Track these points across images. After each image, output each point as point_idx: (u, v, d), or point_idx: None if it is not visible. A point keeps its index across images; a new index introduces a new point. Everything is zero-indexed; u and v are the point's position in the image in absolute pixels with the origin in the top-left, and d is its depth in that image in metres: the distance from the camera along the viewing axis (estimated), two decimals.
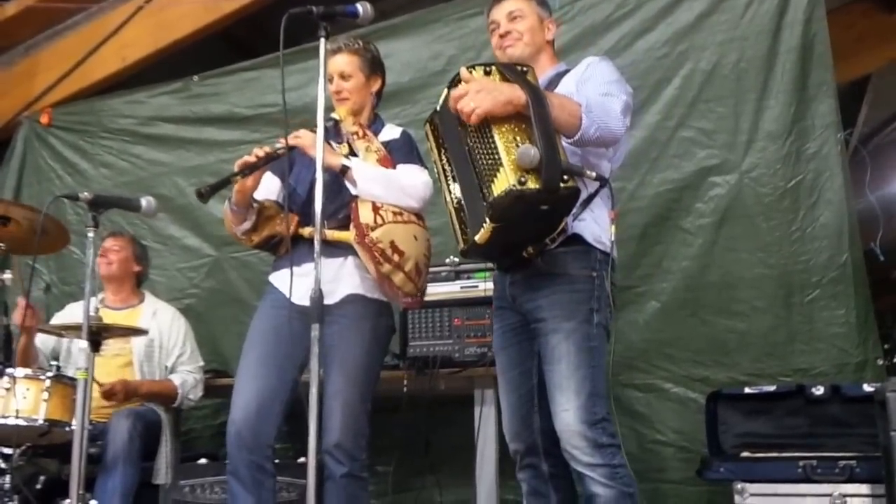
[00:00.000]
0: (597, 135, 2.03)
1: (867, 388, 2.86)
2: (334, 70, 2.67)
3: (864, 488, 2.58)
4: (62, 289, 4.71)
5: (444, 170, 2.19)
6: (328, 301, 2.49)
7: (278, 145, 2.52)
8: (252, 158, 2.47)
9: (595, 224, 2.17)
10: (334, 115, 2.66)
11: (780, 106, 3.42)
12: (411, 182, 2.57)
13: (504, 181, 1.92)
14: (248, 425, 2.44)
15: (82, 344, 2.45)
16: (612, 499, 2.06)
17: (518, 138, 1.94)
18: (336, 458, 2.43)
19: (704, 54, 3.55)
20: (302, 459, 3.05)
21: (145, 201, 2.63)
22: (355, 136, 2.62)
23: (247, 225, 2.60)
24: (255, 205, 2.59)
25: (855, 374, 3.20)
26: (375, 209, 2.48)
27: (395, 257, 2.46)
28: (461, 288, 3.28)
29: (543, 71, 2.30)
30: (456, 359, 3.24)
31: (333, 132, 2.66)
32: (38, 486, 3.00)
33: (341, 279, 2.51)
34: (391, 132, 2.75)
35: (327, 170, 2.47)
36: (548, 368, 2.15)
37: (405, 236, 2.50)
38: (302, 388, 2.50)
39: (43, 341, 3.44)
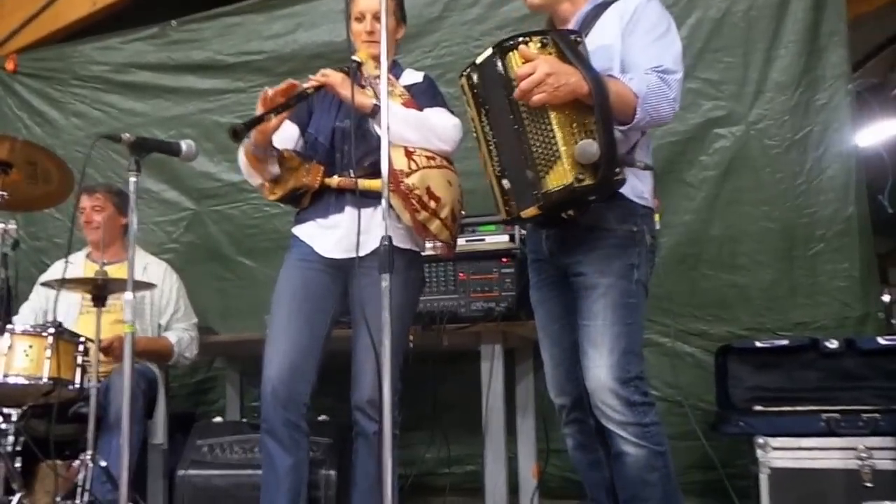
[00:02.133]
0: (647, 124, 1.99)
1: (882, 341, 2.86)
2: (368, 9, 2.52)
3: (888, 441, 2.58)
4: (31, 244, 4.49)
5: (483, 132, 2.08)
6: (360, 252, 2.39)
7: (307, 84, 2.37)
8: (279, 96, 2.31)
9: (636, 179, 2.07)
10: (356, 58, 2.50)
11: (790, 56, 3.37)
12: (442, 124, 2.46)
13: (561, 176, 1.86)
14: (284, 383, 2.34)
15: (128, 296, 2.29)
16: (642, 457, 2.00)
17: (577, 129, 1.86)
18: (368, 415, 2.35)
19: (714, 2, 3.47)
20: (323, 417, 2.96)
21: (185, 145, 2.46)
22: (378, 81, 2.48)
23: (275, 171, 2.46)
24: (274, 153, 2.45)
25: (856, 328, 3.21)
26: (408, 154, 2.36)
27: (432, 203, 2.35)
28: (466, 241, 3.17)
29: (576, 6, 2.18)
30: (462, 314, 3.15)
31: (356, 75, 2.48)
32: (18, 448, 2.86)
33: (371, 230, 2.38)
34: (413, 76, 2.62)
35: (356, 112, 2.35)
36: (583, 323, 2.07)
37: (440, 181, 2.39)
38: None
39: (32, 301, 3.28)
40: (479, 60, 2.01)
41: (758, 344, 3.03)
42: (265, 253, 4.06)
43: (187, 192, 4.26)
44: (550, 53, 1.87)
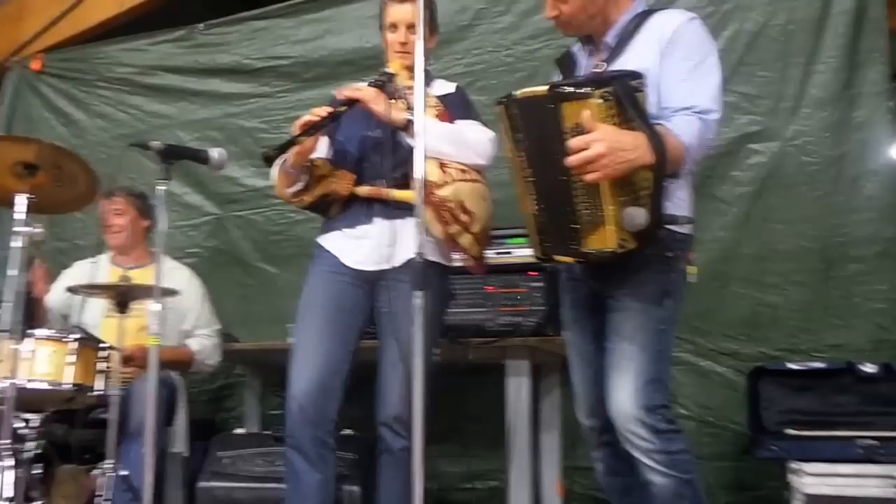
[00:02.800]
0: (690, 170, 1.94)
1: None
2: (403, 20, 2.47)
3: None
4: (53, 245, 4.46)
5: (520, 166, 2.02)
6: (388, 265, 2.36)
7: (339, 101, 2.33)
8: (314, 118, 2.28)
9: (672, 206, 1.98)
10: (388, 69, 2.45)
11: (829, 71, 3.30)
12: (477, 138, 2.42)
13: (604, 241, 1.83)
14: (312, 400, 2.29)
15: (155, 307, 2.26)
16: (670, 486, 1.93)
17: (626, 195, 1.80)
18: (395, 431, 2.30)
19: (751, 14, 3.40)
20: (347, 431, 2.91)
21: (217, 153, 2.42)
22: (410, 92, 2.43)
23: (299, 185, 2.42)
24: (307, 165, 2.41)
25: (892, 352, 3.11)
26: (441, 166, 2.32)
27: (464, 217, 2.31)
28: (495, 254, 3.11)
29: (620, 11, 2.09)
30: (489, 328, 3.09)
31: (388, 87, 2.44)
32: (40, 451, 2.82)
33: (400, 242, 2.34)
34: (445, 87, 2.57)
35: (387, 125, 2.31)
36: (610, 347, 2.01)
37: (473, 195, 2.35)
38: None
39: (53, 301, 3.24)
40: (520, 94, 1.94)
41: (791, 366, 2.96)
42: (288, 260, 4.02)
43: (211, 197, 4.23)
44: (611, 110, 1.76)
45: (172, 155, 2.32)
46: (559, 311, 3.15)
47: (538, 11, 3.70)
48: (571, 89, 1.80)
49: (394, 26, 2.49)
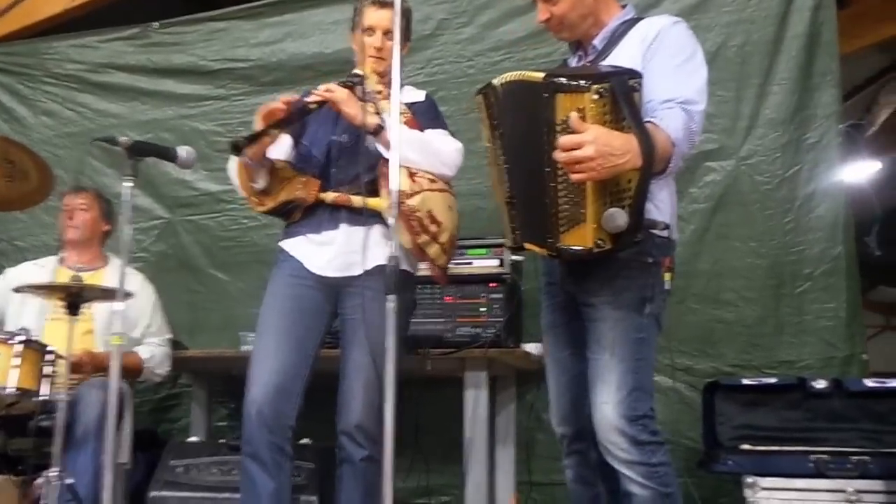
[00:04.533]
0: (676, 165, 1.93)
1: (869, 383, 2.85)
2: (380, 25, 2.44)
3: (878, 485, 2.54)
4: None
5: (495, 153, 2.02)
6: (353, 272, 2.34)
7: (310, 99, 2.29)
8: (281, 106, 2.23)
9: (654, 208, 1.99)
10: (358, 72, 2.42)
11: (783, 93, 3.37)
12: (446, 149, 2.41)
13: (581, 239, 1.81)
14: (270, 404, 2.24)
15: (118, 306, 2.20)
16: (649, 499, 1.93)
17: (610, 196, 1.78)
18: (356, 441, 2.27)
19: (709, 35, 3.44)
20: (305, 440, 2.84)
21: (185, 152, 2.35)
22: (379, 96, 2.41)
23: (261, 184, 2.36)
24: (266, 164, 2.36)
25: (840, 369, 3.20)
26: (411, 175, 2.30)
27: (433, 227, 2.29)
28: (455, 264, 3.07)
29: (611, 15, 2.11)
30: (447, 339, 3.06)
31: (359, 89, 2.40)
32: None
33: (366, 249, 2.31)
34: (413, 94, 2.55)
35: (355, 130, 2.28)
36: (592, 357, 2.00)
37: (442, 205, 2.33)
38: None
39: None
40: (512, 77, 1.94)
41: (745, 381, 2.99)
42: (240, 267, 3.94)
43: (161, 200, 4.12)
44: (605, 107, 1.74)
45: (140, 152, 2.25)
46: (519, 322, 3.20)
47: (501, 24, 3.74)
48: (568, 80, 1.77)
49: (371, 30, 2.46)
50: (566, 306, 2.13)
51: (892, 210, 3.81)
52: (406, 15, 2.48)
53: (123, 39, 4.29)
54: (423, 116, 2.46)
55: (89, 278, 2.96)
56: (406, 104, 2.45)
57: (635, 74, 1.80)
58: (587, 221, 1.78)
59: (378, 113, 2.33)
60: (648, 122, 1.82)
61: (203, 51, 4.13)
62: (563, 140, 1.72)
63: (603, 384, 1.94)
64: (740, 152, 3.40)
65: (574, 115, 1.72)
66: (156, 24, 4.21)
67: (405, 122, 2.36)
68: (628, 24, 2.07)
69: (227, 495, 2.67)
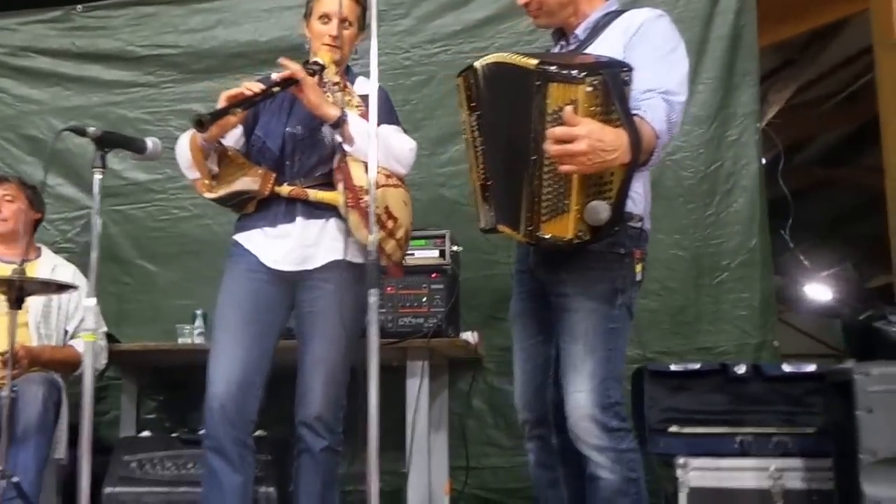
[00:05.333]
0: (657, 160, 1.96)
1: (786, 368, 3.03)
2: (336, 12, 2.40)
3: (797, 462, 2.74)
4: None
5: (472, 135, 2.05)
6: (309, 266, 2.35)
7: (273, 81, 2.27)
8: (247, 92, 2.20)
9: (630, 201, 1.97)
10: (318, 60, 2.40)
11: (707, 91, 3.53)
12: (401, 146, 2.42)
13: (562, 229, 1.83)
14: (232, 399, 2.23)
15: (90, 302, 2.13)
16: (615, 483, 2.00)
17: (593, 188, 1.81)
18: (316, 432, 2.29)
19: None
20: (260, 432, 2.84)
21: (151, 143, 2.29)
22: (336, 88, 2.41)
23: (214, 168, 2.34)
24: (218, 148, 2.33)
25: (754, 355, 3.39)
26: (368, 170, 2.30)
27: (389, 223, 2.31)
28: None
29: (593, 5, 2.14)
30: (388, 329, 3.10)
31: (317, 78, 2.37)
32: None
33: (322, 243, 2.33)
34: (366, 85, 2.54)
35: (311, 121, 2.28)
36: (564, 347, 2.06)
37: (398, 201, 2.36)
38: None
39: None
40: (501, 58, 1.96)
41: (672, 367, 3.15)
42: (170, 258, 3.88)
43: (87, 189, 3.96)
44: (597, 99, 1.75)
45: (108, 143, 2.20)
46: (457, 312, 3.27)
47: (438, 16, 3.78)
48: (560, 69, 1.77)
49: (326, 17, 2.43)
50: (536, 294, 2.18)
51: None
52: (362, 3, 2.48)
53: (45, 22, 4.13)
54: (378, 110, 2.47)
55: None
56: (360, 96, 2.45)
57: (627, 67, 1.82)
58: (570, 212, 1.81)
59: (336, 104, 2.33)
60: (635, 114, 1.83)
61: (130, 35, 4.02)
62: (557, 132, 1.72)
63: (576, 373, 2.00)
64: (667, 148, 3.54)
65: (569, 108, 1.73)
66: (79, 7, 4.07)
67: (360, 115, 2.37)
68: (612, 16, 2.11)
69: (183, 489, 2.66)
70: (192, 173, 2.40)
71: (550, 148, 1.74)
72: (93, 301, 2.10)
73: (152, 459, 2.72)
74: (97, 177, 2.17)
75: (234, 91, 2.21)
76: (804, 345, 9.12)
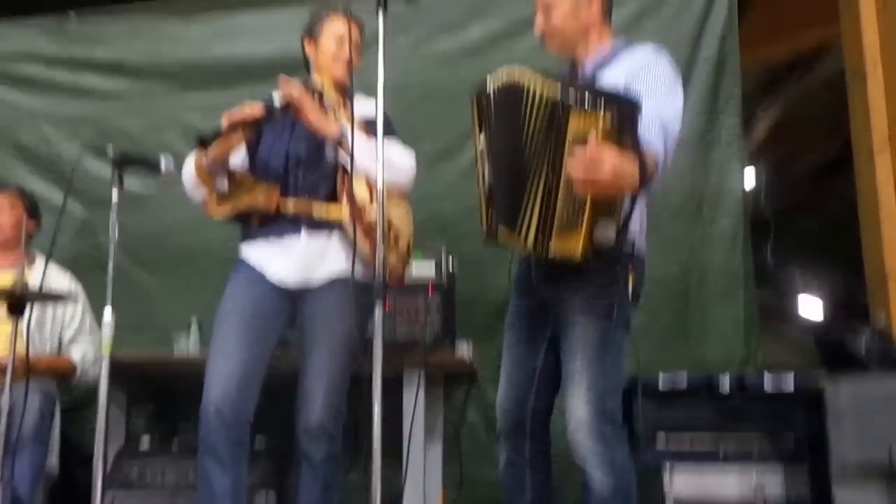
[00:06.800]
0: (656, 184, 2.08)
1: (768, 383, 3.12)
2: (346, 36, 2.47)
3: (776, 468, 2.86)
4: None
5: (480, 150, 2.14)
6: (312, 279, 2.41)
7: (277, 101, 2.33)
8: (250, 114, 2.27)
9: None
10: (317, 80, 2.48)
11: (693, 115, 3.62)
12: (402, 163, 2.48)
13: (572, 246, 1.94)
14: (229, 402, 2.28)
15: (107, 315, 2.29)
16: (607, 487, 2.08)
17: (604, 208, 1.93)
18: (316, 440, 2.34)
19: None
20: (261, 438, 2.86)
21: (164, 161, 2.34)
22: (336, 107, 2.47)
23: (224, 188, 2.40)
24: (226, 168, 2.40)
25: (739, 368, 3.48)
26: (370, 186, 2.36)
27: (392, 237, 2.38)
28: None
29: (590, 52, 2.26)
30: (387, 340, 3.12)
31: (317, 98, 2.46)
32: None
33: (326, 256, 2.39)
34: (365, 102, 2.62)
35: (313, 140, 2.35)
36: (564, 359, 2.14)
37: (400, 213, 2.43)
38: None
39: None
40: (491, 91, 2.06)
41: (660, 380, 3.23)
42: (162, 267, 3.89)
43: (79, 198, 4.01)
44: (613, 129, 1.87)
45: (126, 162, 2.25)
46: (453, 324, 3.33)
47: (436, 35, 3.88)
48: (582, 98, 1.90)
49: (339, 39, 2.51)
50: (532, 308, 2.28)
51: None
52: (360, 27, 2.56)
53: (38, 29, 4.15)
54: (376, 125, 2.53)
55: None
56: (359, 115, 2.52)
57: (636, 99, 1.97)
58: (582, 231, 1.92)
59: (337, 122, 2.39)
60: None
61: (127, 45, 4.05)
62: (586, 158, 1.83)
63: (575, 386, 2.09)
64: None
65: (593, 136, 1.85)
66: (72, 15, 4.08)
67: (359, 129, 2.43)
68: (618, 50, 2.24)
69: (183, 495, 2.67)
70: (198, 193, 2.46)
71: (576, 172, 1.85)
72: (108, 313, 2.12)
73: (152, 465, 2.73)
74: (115, 198, 2.23)
75: (236, 113, 2.27)
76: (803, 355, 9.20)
